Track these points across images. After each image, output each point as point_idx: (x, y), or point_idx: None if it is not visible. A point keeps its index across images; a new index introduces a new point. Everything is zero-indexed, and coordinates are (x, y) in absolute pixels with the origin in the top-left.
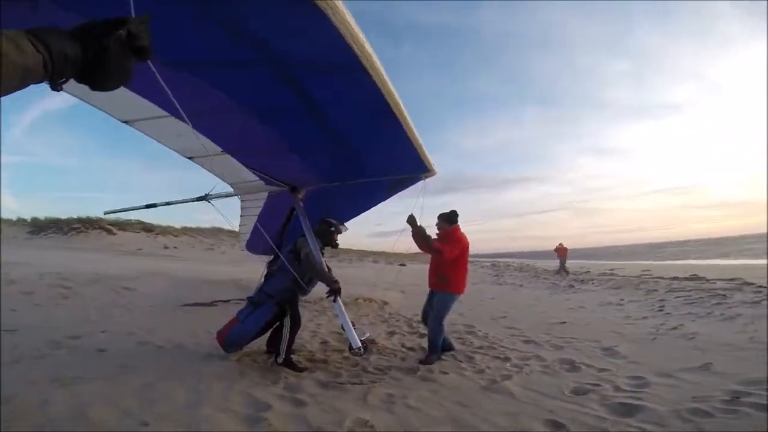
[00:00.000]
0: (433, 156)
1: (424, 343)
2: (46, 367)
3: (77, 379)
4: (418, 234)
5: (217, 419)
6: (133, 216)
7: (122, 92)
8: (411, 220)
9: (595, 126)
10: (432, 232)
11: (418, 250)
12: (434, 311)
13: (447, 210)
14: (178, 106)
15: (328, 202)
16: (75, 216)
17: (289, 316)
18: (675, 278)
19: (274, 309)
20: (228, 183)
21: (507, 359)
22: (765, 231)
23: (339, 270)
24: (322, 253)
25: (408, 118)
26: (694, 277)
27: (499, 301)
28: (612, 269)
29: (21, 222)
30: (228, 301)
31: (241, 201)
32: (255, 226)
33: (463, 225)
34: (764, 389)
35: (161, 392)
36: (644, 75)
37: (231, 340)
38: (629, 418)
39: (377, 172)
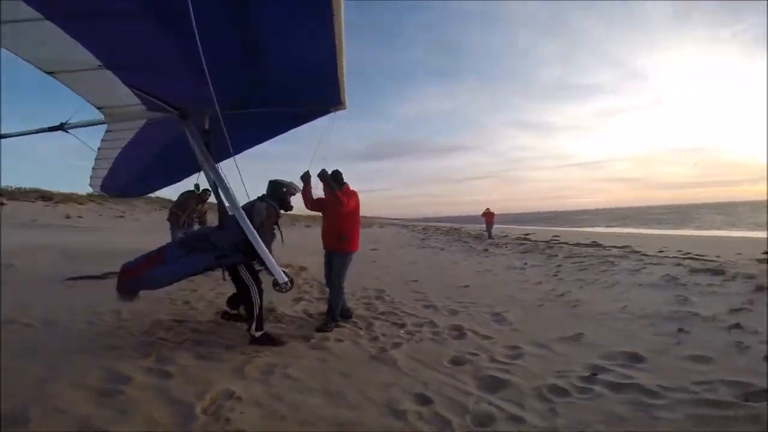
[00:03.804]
0: (369, 124)
1: (324, 307)
2: None
3: None
4: (326, 181)
5: (66, 395)
6: (28, 184)
7: None
8: (322, 174)
9: (521, 101)
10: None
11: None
12: (336, 273)
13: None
14: None
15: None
16: None
17: (251, 282)
18: (578, 244)
19: (210, 262)
20: (97, 107)
21: (403, 325)
22: (654, 204)
23: None
24: (278, 216)
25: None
26: (594, 244)
27: (417, 265)
28: (527, 234)
29: None
30: None
31: (107, 132)
32: (116, 161)
33: (400, 190)
34: (623, 365)
35: (8, 370)
36: (570, 56)
37: (144, 280)
38: (493, 395)
39: (287, 100)
